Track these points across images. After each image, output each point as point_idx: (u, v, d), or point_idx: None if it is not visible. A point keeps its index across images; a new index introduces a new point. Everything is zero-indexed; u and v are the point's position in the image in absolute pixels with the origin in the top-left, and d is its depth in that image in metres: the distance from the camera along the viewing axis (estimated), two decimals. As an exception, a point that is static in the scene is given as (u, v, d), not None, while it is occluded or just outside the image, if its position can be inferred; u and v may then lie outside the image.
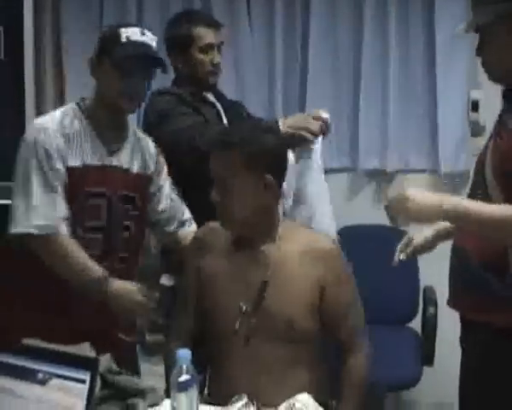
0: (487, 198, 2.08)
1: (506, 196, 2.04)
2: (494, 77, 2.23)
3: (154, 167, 2.52)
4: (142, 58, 2.31)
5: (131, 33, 2.28)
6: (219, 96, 3.10)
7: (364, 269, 3.70)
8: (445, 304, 2.29)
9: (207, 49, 2.93)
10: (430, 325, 3.44)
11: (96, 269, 2.26)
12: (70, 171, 2.28)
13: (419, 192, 2.02)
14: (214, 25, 2.98)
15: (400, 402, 3.86)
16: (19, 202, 2.26)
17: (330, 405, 2.16)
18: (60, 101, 4.06)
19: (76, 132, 2.32)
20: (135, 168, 2.44)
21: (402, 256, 2.43)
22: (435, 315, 3.44)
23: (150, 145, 2.54)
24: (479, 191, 2.14)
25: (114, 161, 2.38)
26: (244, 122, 2.81)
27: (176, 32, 2.97)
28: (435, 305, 3.44)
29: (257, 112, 3.96)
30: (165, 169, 2.58)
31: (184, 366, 1.83)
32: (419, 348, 3.48)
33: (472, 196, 2.19)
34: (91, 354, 2.08)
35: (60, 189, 2.26)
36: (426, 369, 3.35)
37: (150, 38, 2.32)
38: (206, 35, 2.93)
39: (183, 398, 1.81)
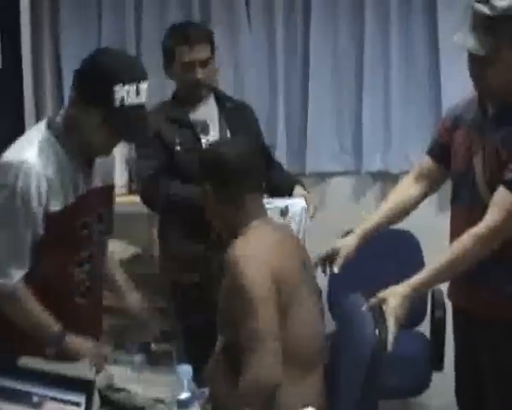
0: (475, 198, 2.26)
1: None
2: (494, 99, 2.30)
3: (112, 176, 2.43)
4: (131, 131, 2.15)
5: (126, 94, 2.03)
6: (222, 98, 3.13)
7: (370, 272, 3.70)
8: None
9: (188, 66, 2.98)
10: (439, 329, 3.40)
11: (52, 325, 2.15)
12: (51, 215, 2.13)
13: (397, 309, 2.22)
14: (200, 40, 3.00)
15: (410, 406, 3.82)
16: None
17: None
18: (59, 107, 4.02)
19: (55, 172, 2.13)
20: (106, 182, 2.34)
21: (336, 270, 2.50)
22: (444, 318, 3.39)
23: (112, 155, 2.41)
24: (465, 192, 2.33)
25: (90, 184, 2.25)
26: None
27: (163, 46, 3.07)
28: (443, 308, 3.39)
29: (258, 112, 3.94)
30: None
31: (185, 383, 1.80)
32: (428, 353, 3.44)
33: (457, 196, 2.39)
34: (91, 371, 2.04)
35: (29, 237, 2.11)
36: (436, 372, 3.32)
37: (144, 91, 2.09)
38: (186, 53, 2.98)
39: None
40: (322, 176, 3.98)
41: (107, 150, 2.23)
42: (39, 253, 2.14)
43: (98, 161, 2.27)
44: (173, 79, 3.11)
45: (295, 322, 2.20)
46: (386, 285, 3.46)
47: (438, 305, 3.44)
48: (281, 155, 3.92)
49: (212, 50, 3.07)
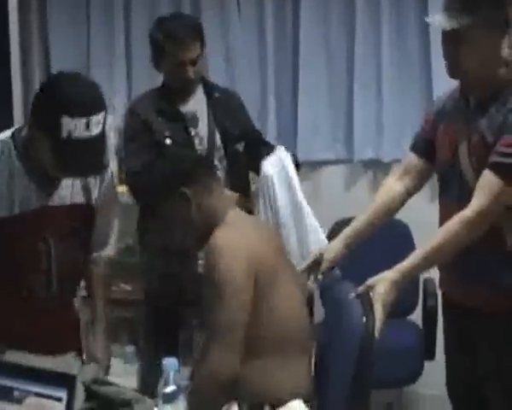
0: (463, 188, 2.27)
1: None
2: (469, 85, 2.31)
3: (96, 191, 2.32)
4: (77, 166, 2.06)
5: (74, 127, 1.95)
6: (210, 89, 3.11)
7: (362, 261, 3.68)
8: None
9: (179, 65, 2.95)
10: (430, 318, 3.38)
11: None
12: None
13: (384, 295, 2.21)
14: (187, 40, 2.95)
15: (403, 395, 3.83)
16: None
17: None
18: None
19: (6, 178, 2.11)
20: (77, 199, 2.26)
21: (320, 277, 2.49)
22: (436, 307, 3.37)
23: None
24: (453, 183, 2.32)
25: (53, 201, 2.20)
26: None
27: (152, 40, 3.02)
28: (435, 297, 3.37)
29: (249, 102, 3.92)
30: (111, 188, 2.41)
31: (171, 376, 1.78)
32: (420, 342, 3.43)
33: (444, 189, 2.38)
34: (77, 364, 2.03)
35: None
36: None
37: (96, 124, 2.00)
38: (178, 52, 2.94)
39: (168, 410, 1.76)
40: (314, 165, 3.96)
41: (61, 176, 2.16)
42: None
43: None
44: (161, 72, 3.08)
45: (276, 308, 2.19)
46: (376, 274, 3.50)
47: (429, 294, 3.44)
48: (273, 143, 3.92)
49: (202, 46, 3.04)
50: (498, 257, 2.29)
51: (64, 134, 1.95)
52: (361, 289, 2.26)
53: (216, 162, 3.05)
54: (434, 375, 3.36)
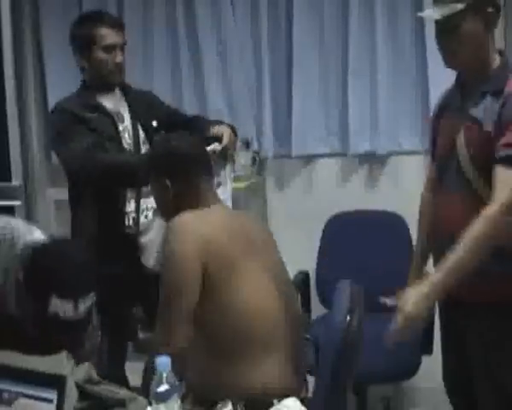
0: (460, 179, 2.27)
1: (484, 177, 2.24)
2: (466, 73, 2.34)
3: None
4: None
5: (61, 308, 1.88)
6: (127, 91, 3.17)
7: (359, 255, 3.67)
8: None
9: (110, 49, 3.01)
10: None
11: None
12: None
13: (408, 305, 2.22)
14: (117, 25, 3.07)
15: (400, 389, 3.83)
16: None
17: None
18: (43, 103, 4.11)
19: None
20: None
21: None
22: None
23: None
24: (450, 175, 2.33)
25: None
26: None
27: (79, 31, 3.05)
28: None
29: (243, 97, 3.91)
30: None
31: (164, 375, 1.75)
32: (417, 336, 3.39)
33: (442, 181, 2.39)
34: (69, 364, 2.00)
35: None
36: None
37: (86, 307, 1.94)
38: (108, 35, 3.01)
39: (162, 409, 1.73)
40: (309, 158, 3.94)
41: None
42: None
43: None
44: (86, 66, 3.05)
45: (234, 304, 2.21)
46: (378, 269, 3.49)
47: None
48: (267, 137, 3.91)
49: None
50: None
51: (50, 314, 1.88)
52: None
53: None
54: (432, 369, 3.36)
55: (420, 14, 2.43)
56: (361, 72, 3.77)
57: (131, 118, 3.11)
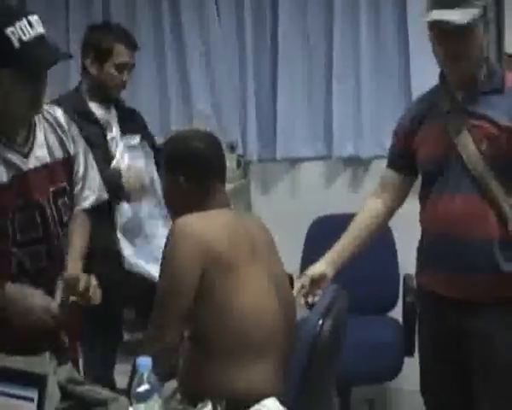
0: (463, 172, 2.27)
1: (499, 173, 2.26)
2: (471, 76, 2.31)
3: (70, 143, 2.35)
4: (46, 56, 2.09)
5: (20, 32, 2.00)
6: (118, 105, 3.20)
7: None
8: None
9: (122, 67, 3.05)
10: (410, 314, 3.37)
11: None
12: None
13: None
14: (134, 47, 3.10)
15: (383, 390, 3.83)
16: None
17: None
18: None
19: None
20: (56, 155, 2.29)
21: (311, 300, 2.46)
22: (414, 304, 3.37)
23: (60, 118, 2.37)
24: (449, 173, 2.32)
25: (32, 163, 2.20)
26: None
27: (98, 41, 3.05)
28: (414, 293, 3.36)
29: (229, 100, 3.92)
30: (78, 136, 2.44)
31: (145, 375, 1.76)
32: (400, 338, 3.42)
33: (435, 179, 2.38)
34: (52, 363, 2.01)
35: None
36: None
37: (36, 21, 2.05)
38: (125, 54, 3.05)
39: (142, 409, 1.74)
40: (293, 161, 3.96)
41: (32, 109, 2.16)
42: None
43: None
44: (95, 74, 3.05)
45: (234, 303, 2.20)
46: (363, 272, 3.50)
47: (409, 290, 3.44)
48: (252, 141, 3.91)
49: None
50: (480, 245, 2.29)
51: (16, 44, 2.00)
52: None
53: None
54: (416, 371, 3.38)
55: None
56: (345, 75, 3.80)
57: (120, 128, 3.13)
